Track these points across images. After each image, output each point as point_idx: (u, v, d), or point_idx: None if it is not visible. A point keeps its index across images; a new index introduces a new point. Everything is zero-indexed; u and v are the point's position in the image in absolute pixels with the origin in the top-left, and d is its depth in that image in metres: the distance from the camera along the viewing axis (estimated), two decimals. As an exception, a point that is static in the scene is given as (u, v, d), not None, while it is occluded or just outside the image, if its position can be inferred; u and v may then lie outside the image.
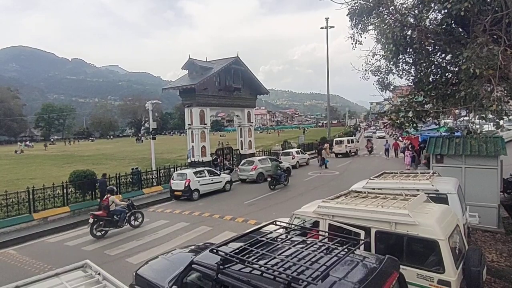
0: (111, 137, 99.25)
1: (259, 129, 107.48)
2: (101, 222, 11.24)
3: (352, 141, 35.64)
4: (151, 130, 21.30)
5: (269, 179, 18.43)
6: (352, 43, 7.74)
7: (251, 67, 25.94)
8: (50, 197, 14.08)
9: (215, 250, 4.39)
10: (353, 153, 33.60)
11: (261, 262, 3.92)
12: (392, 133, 53.14)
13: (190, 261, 4.88)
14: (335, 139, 36.23)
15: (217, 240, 8.02)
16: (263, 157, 23.83)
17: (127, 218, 11.89)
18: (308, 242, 4.59)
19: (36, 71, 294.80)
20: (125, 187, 17.11)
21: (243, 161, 22.21)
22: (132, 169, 18.74)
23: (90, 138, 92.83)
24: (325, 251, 4.20)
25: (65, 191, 14.54)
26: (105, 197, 11.92)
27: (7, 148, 61.71)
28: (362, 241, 4.65)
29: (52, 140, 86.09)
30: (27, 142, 72.50)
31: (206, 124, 22.41)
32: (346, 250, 4.15)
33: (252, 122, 27.31)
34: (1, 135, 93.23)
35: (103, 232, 11.27)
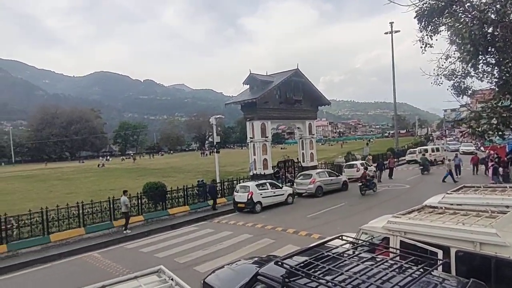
0: (172, 151, 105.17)
1: (321, 140, 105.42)
2: None
3: (438, 149, 34.84)
4: (215, 144, 22.25)
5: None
6: (421, 47, 7.29)
7: (311, 78, 25.77)
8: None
9: (280, 263, 4.37)
10: (439, 162, 32.23)
11: (328, 278, 3.80)
12: (480, 146, 44.58)
13: (256, 273, 4.91)
14: (418, 148, 35.70)
15: (280, 253, 7.97)
16: (321, 170, 23.26)
17: None
18: (378, 259, 4.34)
19: (114, 93, 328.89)
20: (192, 199, 17.99)
21: (299, 174, 21.90)
22: (198, 181, 19.68)
23: (160, 152, 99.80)
24: (397, 270, 3.92)
25: (139, 201, 15.80)
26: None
27: (92, 162, 69.34)
28: (441, 261, 4.24)
29: (132, 154, 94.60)
30: (108, 157, 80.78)
31: (267, 137, 22.70)
32: (422, 270, 3.83)
33: (314, 134, 26.94)
34: (86, 150, 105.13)
35: None
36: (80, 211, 13.89)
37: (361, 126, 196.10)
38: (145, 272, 4.10)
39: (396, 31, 37.76)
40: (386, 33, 38.20)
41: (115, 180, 31.72)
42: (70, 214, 13.69)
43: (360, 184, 19.43)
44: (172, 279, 3.84)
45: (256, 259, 7.18)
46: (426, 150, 33.34)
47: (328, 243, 5.31)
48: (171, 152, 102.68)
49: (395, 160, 26.94)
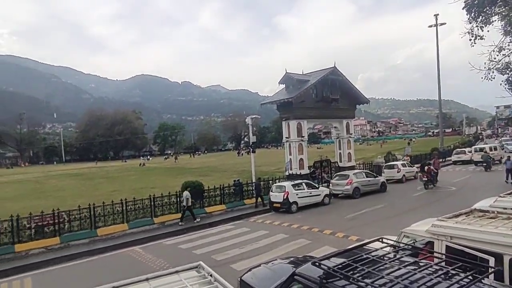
0: (206, 151, 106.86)
1: (359, 140, 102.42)
2: None
3: (496, 148, 33.53)
4: (251, 143, 22.43)
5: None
6: (470, 39, 6.83)
7: (349, 76, 25.13)
8: (167, 204, 16.00)
9: (317, 263, 4.32)
10: (496, 161, 30.60)
11: (367, 281, 3.70)
12: None
13: (292, 272, 4.90)
14: (473, 147, 34.38)
15: (316, 254, 7.87)
16: (359, 170, 22.60)
17: None
18: (421, 264, 4.14)
19: (154, 95, 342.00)
20: (228, 198, 18.27)
21: (335, 174, 21.43)
22: (234, 180, 19.95)
23: (197, 152, 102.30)
24: (443, 276, 3.72)
25: (178, 199, 16.33)
26: None
27: (134, 161, 72.75)
28: (493, 269, 3.96)
29: (171, 153, 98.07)
30: (148, 157, 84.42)
31: (303, 136, 22.49)
32: (470, 277, 3.60)
33: (351, 133, 26.26)
34: (128, 150, 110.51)
35: None
36: (124, 208, 14.64)
37: (402, 125, 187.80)
38: (185, 267, 4.24)
39: (442, 24, 35.84)
40: (431, 26, 36.34)
41: (155, 178, 33.02)
42: (115, 210, 14.48)
43: (425, 179, 20.36)
44: (211, 275, 3.93)
45: (292, 259, 7.15)
46: (483, 149, 31.63)
47: (367, 245, 5.16)
48: (205, 152, 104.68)
49: (440, 160, 25.33)
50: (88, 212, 13.83)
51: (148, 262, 10.48)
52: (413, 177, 25.21)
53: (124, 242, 13.01)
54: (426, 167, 20.86)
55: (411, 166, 26.22)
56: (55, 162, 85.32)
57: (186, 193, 15.44)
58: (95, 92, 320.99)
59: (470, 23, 6.74)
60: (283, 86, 24.00)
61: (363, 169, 25.14)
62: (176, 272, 4.10)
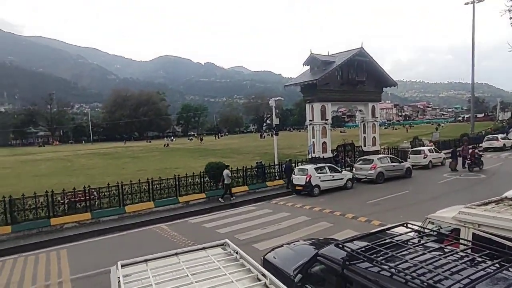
0: (226, 133, 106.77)
1: (384, 124, 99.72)
2: None
3: None
4: (273, 126, 22.40)
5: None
6: (510, 18, 6.40)
7: (377, 58, 24.22)
8: (191, 184, 16.45)
9: (341, 245, 4.39)
10: None
11: (391, 264, 3.73)
12: None
13: (315, 253, 5.00)
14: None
15: (338, 237, 7.92)
16: (383, 155, 22.15)
17: None
18: (447, 250, 4.12)
19: (177, 76, 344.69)
20: (251, 179, 18.52)
21: (359, 159, 21.13)
22: (257, 163, 20.13)
23: (221, 134, 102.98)
24: (468, 263, 3.70)
25: (202, 180, 16.74)
26: None
27: (158, 142, 74.50)
28: (522, 257, 3.88)
29: (195, 134, 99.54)
30: (172, 138, 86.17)
31: (327, 119, 22.20)
32: (497, 265, 3.56)
33: (377, 117, 25.63)
34: (152, 131, 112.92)
35: None
36: (150, 187, 15.20)
37: (430, 109, 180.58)
38: (212, 244, 4.43)
39: (479, 1, 33.61)
40: (467, 3, 34.23)
41: (179, 159, 33.81)
42: (141, 189, 15.07)
43: (469, 162, 20.95)
44: (237, 253, 4.08)
45: (314, 240, 7.26)
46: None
47: (390, 230, 5.16)
48: (227, 134, 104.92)
49: (471, 147, 24.18)
50: (116, 190, 14.47)
51: (174, 239, 10.92)
52: (440, 164, 24.48)
53: (151, 220, 13.60)
54: (470, 150, 21.60)
55: (438, 152, 25.40)
56: (83, 142, 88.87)
57: (226, 172, 16.41)
58: (120, 73, 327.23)
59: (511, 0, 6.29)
60: (307, 67, 23.56)
61: (388, 154, 24.63)
62: (203, 248, 4.29)
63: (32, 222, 12.56)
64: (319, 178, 16.66)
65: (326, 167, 17.40)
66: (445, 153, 26.23)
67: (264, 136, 73.12)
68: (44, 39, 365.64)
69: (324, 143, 22.07)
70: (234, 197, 16.60)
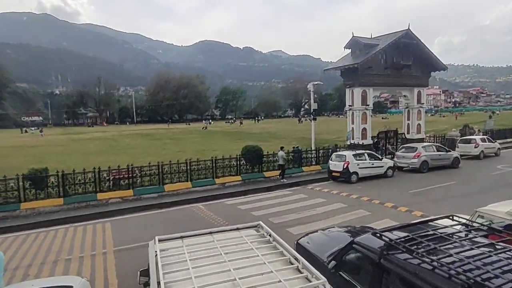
0: (261, 118, 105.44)
1: (431, 111, 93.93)
2: None
3: None
4: (311, 111, 21.93)
5: None
6: None
7: (425, 40, 22.63)
8: (227, 166, 16.70)
9: (378, 234, 4.20)
10: None
11: (433, 257, 3.51)
12: None
13: (351, 241, 4.86)
14: None
15: (376, 226, 7.64)
16: (428, 143, 20.93)
17: None
18: (499, 247, 3.79)
19: (216, 60, 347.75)
20: (287, 164, 18.40)
21: (402, 146, 20.13)
22: (293, 147, 19.94)
23: (260, 117, 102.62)
24: (524, 262, 3.38)
25: (238, 162, 16.92)
26: None
27: (196, 124, 76.32)
28: None
29: (234, 118, 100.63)
30: (210, 121, 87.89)
31: (368, 105, 21.31)
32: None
33: (423, 103, 24.14)
34: (191, 114, 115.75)
35: None
36: (188, 167, 15.65)
37: (484, 95, 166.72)
38: (245, 225, 4.44)
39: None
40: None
41: (216, 141, 34.46)
42: (180, 169, 15.56)
43: None
44: (270, 235, 4.06)
45: (349, 228, 7.07)
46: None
47: (434, 221, 4.85)
48: (262, 118, 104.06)
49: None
50: (156, 170, 15.07)
51: (209, 218, 11.21)
52: (493, 154, 22.68)
53: (188, 199, 14.06)
54: None
55: (491, 142, 23.49)
56: (127, 123, 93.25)
57: (281, 153, 16.99)
58: (162, 58, 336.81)
59: None
60: (348, 51, 22.64)
61: (434, 142, 23.26)
62: (237, 229, 4.31)
63: (81, 196, 13.52)
64: (358, 165, 16.15)
65: (366, 154, 16.80)
66: (500, 143, 24.22)
67: (302, 121, 72.17)
68: (94, 26, 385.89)
69: (364, 129, 21.29)
70: (284, 180, 16.83)
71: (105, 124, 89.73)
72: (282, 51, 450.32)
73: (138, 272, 4.23)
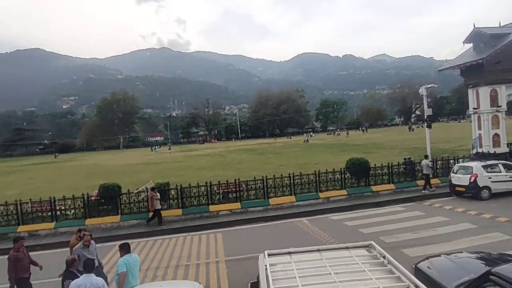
0: (365, 128, 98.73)
1: None
2: None
3: None
4: (425, 117, 19.70)
5: None
6: None
7: None
8: (331, 180, 16.16)
9: (528, 266, 3.38)
10: None
11: None
12: None
13: (487, 271, 4.06)
14: None
15: (520, 253, 6.23)
16: None
17: None
18: None
19: (315, 72, 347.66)
20: (397, 177, 16.84)
21: None
22: (404, 158, 18.20)
23: (362, 128, 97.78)
24: None
25: (343, 176, 16.23)
26: None
27: (297, 138, 76.89)
28: None
29: (336, 129, 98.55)
30: (311, 133, 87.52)
31: (500, 106, 17.98)
32: None
33: None
34: (292, 127, 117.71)
35: None
36: (291, 181, 15.71)
37: None
38: (356, 244, 4.14)
39: None
40: None
41: (318, 154, 33.95)
42: (283, 183, 15.73)
43: None
44: (384, 257, 3.68)
45: (483, 254, 5.95)
46: None
47: None
48: (365, 128, 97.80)
49: None
50: (261, 183, 15.57)
51: (314, 234, 10.95)
52: None
53: (292, 213, 14.05)
54: None
55: None
56: (233, 139, 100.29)
57: (425, 162, 16.06)
58: (262, 75, 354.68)
59: None
60: (469, 45, 19.72)
61: None
62: (347, 248, 4.05)
63: (196, 207, 14.86)
64: (490, 178, 13.65)
65: (500, 165, 14.11)
66: None
67: (413, 129, 65.69)
68: (202, 52, 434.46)
69: (496, 135, 17.98)
70: (433, 189, 15.83)
71: (214, 141, 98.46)
72: (386, 55, 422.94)
73: (249, 284, 4.34)
